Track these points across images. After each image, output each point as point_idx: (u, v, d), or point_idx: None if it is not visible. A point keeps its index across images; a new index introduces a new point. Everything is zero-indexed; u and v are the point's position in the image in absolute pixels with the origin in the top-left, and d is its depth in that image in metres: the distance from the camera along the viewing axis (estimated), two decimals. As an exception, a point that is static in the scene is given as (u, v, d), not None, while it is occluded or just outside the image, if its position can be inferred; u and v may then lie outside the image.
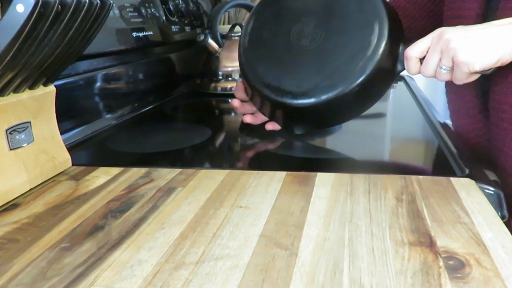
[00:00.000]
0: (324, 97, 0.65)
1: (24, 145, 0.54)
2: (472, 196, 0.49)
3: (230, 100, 0.82)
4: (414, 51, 0.63)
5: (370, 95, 0.69)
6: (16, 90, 0.52)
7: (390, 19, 0.65)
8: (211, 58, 1.14)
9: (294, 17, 0.71)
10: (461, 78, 0.61)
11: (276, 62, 0.70)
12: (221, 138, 0.83)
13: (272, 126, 0.77)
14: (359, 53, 0.64)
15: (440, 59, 0.61)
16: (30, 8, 0.43)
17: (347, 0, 0.68)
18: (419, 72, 0.64)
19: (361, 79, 0.64)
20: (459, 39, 0.59)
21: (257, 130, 0.82)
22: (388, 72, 0.68)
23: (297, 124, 0.75)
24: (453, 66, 0.60)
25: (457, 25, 0.66)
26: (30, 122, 0.55)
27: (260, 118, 0.79)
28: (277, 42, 0.71)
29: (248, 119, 0.79)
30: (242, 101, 0.80)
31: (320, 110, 0.67)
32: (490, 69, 0.59)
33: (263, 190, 0.52)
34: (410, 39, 0.65)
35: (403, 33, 0.70)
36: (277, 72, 0.69)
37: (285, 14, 0.72)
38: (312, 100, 0.65)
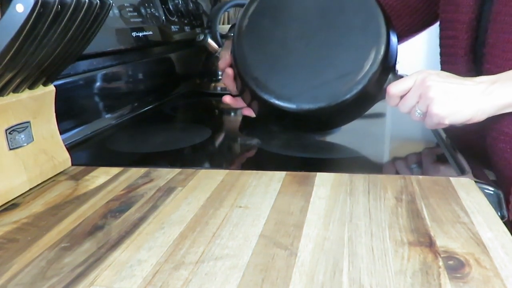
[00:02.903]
0: (305, 106, 0.65)
1: (24, 145, 0.54)
2: (471, 196, 0.49)
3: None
4: (396, 89, 0.64)
5: (349, 114, 0.71)
6: (15, 90, 0.52)
7: (387, 47, 0.65)
8: (211, 58, 1.14)
9: (298, 14, 0.70)
10: (431, 125, 0.64)
11: (268, 55, 0.69)
12: (220, 138, 0.83)
13: (248, 112, 0.75)
14: (349, 74, 0.64)
15: (418, 102, 0.63)
16: (30, 8, 0.43)
17: (354, 15, 0.67)
18: (397, 106, 0.66)
19: (343, 99, 0.64)
20: (438, 90, 0.60)
21: (257, 130, 0.82)
22: (371, 97, 0.68)
23: (272, 121, 0.76)
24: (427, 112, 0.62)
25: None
26: (29, 122, 0.55)
27: (240, 103, 0.76)
28: (274, 33, 0.70)
29: (227, 99, 0.76)
30: None
31: (297, 116, 0.67)
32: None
33: (263, 190, 0.52)
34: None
35: (396, 62, 0.70)
36: (267, 67, 0.68)
37: (291, 7, 0.70)
38: (292, 106, 0.65)
